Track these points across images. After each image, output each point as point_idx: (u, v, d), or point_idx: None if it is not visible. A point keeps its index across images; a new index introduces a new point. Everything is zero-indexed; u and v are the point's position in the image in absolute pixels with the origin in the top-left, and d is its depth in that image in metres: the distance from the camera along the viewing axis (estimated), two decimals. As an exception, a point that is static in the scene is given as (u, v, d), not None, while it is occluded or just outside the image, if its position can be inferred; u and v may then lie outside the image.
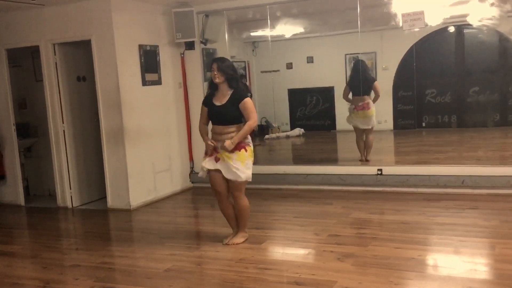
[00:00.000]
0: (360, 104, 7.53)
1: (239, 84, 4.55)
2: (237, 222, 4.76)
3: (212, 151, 4.57)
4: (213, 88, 4.62)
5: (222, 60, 4.58)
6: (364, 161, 7.50)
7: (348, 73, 9.73)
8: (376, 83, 7.74)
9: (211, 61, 4.66)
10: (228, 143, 4.41)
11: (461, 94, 10.24)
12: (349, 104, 7.71)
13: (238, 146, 4.49)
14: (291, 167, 7.29)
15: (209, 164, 4.57)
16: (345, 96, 7.80)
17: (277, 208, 6.15)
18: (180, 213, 6.46)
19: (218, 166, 4.54)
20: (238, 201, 4.63)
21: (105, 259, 4.59)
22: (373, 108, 7.53)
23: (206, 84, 7.35)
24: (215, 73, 4.48)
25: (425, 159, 7.84)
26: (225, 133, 4.48)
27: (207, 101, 4.65)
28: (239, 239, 4.73)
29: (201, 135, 4.71)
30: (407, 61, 10.08)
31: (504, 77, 10.03)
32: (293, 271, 3.98)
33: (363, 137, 7.62)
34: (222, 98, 4.54)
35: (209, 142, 4.54)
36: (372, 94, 7.63)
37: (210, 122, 4.69)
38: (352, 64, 9.17)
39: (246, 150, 4.52)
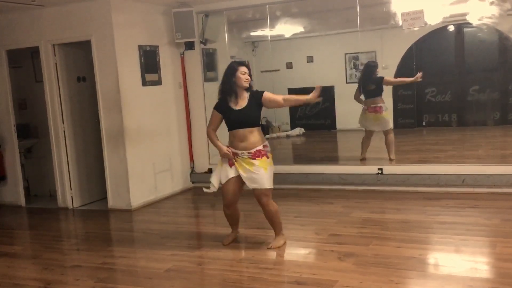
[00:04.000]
0: (372, 106, 7.38)
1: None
2: (272, 227, 4.60)
3: (229, 159, 4.41)
4: (227, 93, 4.40)
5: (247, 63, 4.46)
6: (363, 159, 7.41)
7: (348, 72, 9.76)
8: (385, 78, 7.59)
9: (237, 64, 4.43)
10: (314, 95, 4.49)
11: (461, 93, 10.22)
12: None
13: (259, 154, 4.38)
14: (291, 167, 7.28)
15: (231, 172, 4.42)
16: (356, 97, 7.70)
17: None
18: (180, 213, 6.46)
19: (239, 173, 4.39)
20: (268, 208, 4.44)
21: (106, 260, 4.60)
22: (386, 111, 7.36)
23: (206, 84, 7.37)
24: (247, 77, 4.37)
25: (426, 158, 7.83)
26: (247, 139, 4.35)
27: (222, 107, 4.42)
28: (279, 242, 4.57)
29: (212, 141, 4.49)
30: (407, 60, 10.06)
31: (504, 76, 10.02)
32: (294, 271, 3.98)
33: (371, 137, 7.47)
34: (241, 101, 4.39)
35: (226, 150, 4.38)
36: (383, 95, 7.44)
37: (227, 127, 4.46)
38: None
39: (267, 157, 4.44)
